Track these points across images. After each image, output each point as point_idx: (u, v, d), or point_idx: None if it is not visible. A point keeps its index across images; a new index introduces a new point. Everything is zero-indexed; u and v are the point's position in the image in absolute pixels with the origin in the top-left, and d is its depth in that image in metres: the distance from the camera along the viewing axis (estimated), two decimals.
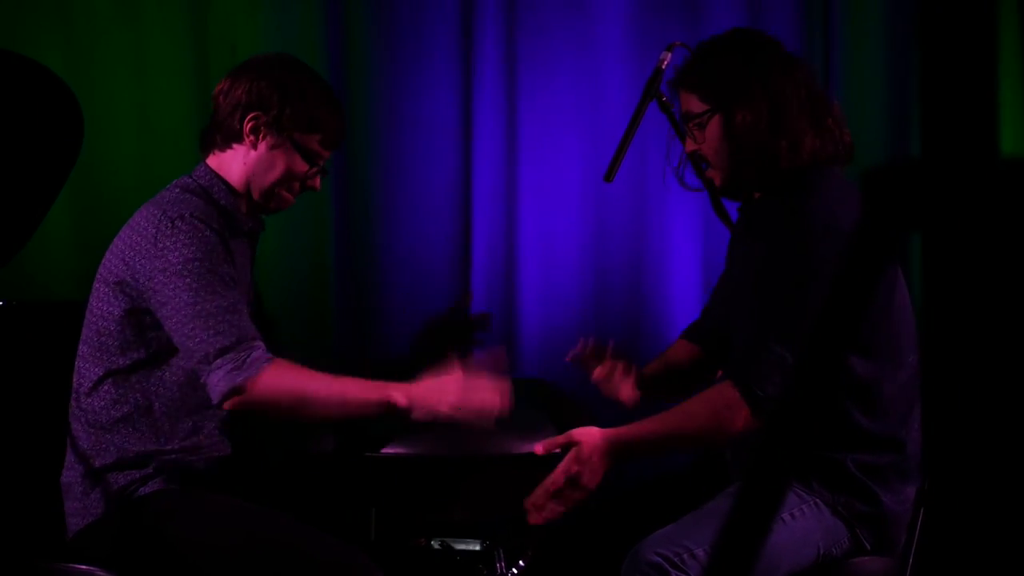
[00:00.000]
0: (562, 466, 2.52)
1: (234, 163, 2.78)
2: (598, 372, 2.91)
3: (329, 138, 2.79)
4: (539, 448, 2.55)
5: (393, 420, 2.61)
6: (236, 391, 2.54)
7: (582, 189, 4.16)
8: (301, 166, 2.77)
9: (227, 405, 2.56)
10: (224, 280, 2.62)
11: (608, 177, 2.85)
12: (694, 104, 2.72)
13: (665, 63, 2.84)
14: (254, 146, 2.76)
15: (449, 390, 2.53)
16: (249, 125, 2.75)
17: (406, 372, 2.62)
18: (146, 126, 4.05)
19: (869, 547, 2.67)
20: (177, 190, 2.74)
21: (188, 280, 2.58)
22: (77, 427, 2.73)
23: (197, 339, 2.57)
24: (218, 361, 2.56)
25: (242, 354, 2.56)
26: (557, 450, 2.54)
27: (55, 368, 2.82)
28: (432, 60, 4.16)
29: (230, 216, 2.75)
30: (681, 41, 2.88)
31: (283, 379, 2.56)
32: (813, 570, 2.65)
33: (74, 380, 2.75)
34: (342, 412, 2.56)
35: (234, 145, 2.78)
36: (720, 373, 3.04)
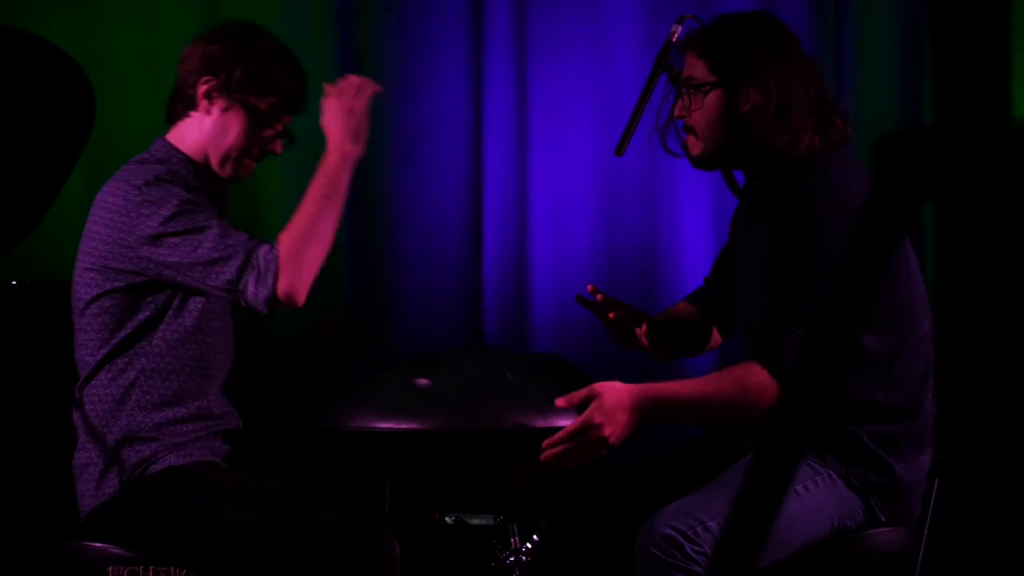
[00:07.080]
0: (583, 415, 2.49)
1: (191, 131, 2.77)
2: (611, 315, 2.90)
3: (286, 101, 2.76)
4: (561, 401, 2.54)
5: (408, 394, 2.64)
6: (273, 298, 2.58)
7: (593, 166, 4.15)
8: (257, 130, 2.75)
9: (281, 309, 2.61)
10: (206, 213, 2.63)
11: (619, 151, 2.83)
12: (700, 71, 2.70)
13: (676, 35, 2.82)
14: (208, 111, 2.75)
15: (341, 108, 2.68)
16: (202, 89, 2.74)
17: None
18: (160, 107, 4.04)
19: (884, 519, 2.67)
20: (133, 164, 2.75)
21: (175, 236, 2.61)
22: (88, 406, 2.73)
23: (213, 276, 2.60)
24: (243, 280, 2.58)
25: (253, 261, 2.59)
26: (582, 400, 2.52)
27: (69, 348, 2.82)
28: (442, 38, 4.15)
29: (189, 187, 2.74)
30: (692, 14, 2.86)
31: (297, 256, 2.60)
32: (828, 543, 2.65)
33: (79, 368, 2.76)
34: (341, 206, 2.67)
35: (191, 113, 2.77)
36: (719, 338, 3.05)
